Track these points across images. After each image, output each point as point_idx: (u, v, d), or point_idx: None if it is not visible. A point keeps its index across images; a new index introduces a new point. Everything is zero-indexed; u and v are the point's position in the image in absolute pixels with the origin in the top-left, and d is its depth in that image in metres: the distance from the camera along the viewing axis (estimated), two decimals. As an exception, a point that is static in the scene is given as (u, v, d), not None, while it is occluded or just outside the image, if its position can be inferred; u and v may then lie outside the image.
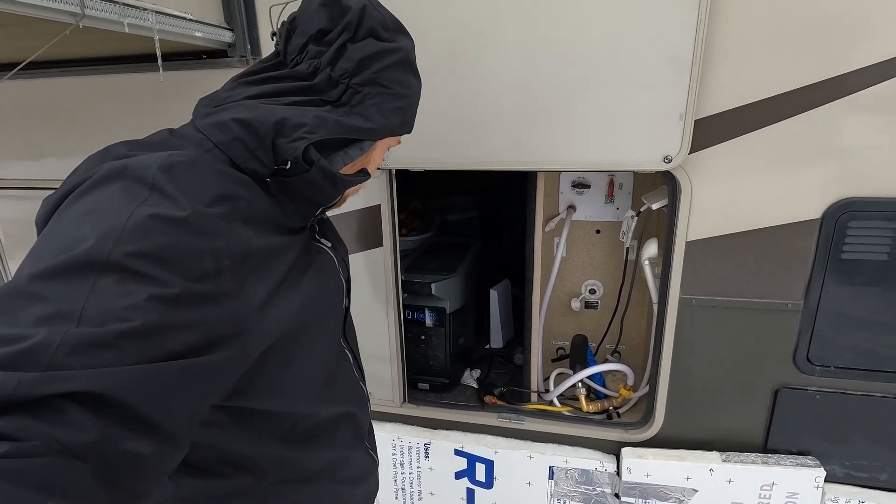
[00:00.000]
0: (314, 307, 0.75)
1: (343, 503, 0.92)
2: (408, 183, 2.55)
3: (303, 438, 0.79)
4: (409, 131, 0.85)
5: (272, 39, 0.80)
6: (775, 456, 1.48)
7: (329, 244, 0.87)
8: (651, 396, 1.55)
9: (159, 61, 1.26)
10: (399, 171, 1.52)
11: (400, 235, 2.28)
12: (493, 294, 2.08)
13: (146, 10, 1.18)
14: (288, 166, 0.68)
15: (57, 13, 1.00)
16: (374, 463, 1.01)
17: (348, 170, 0.79)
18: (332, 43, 0.72)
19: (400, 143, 0.90)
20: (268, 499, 0.78)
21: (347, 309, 0.94)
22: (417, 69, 0.84)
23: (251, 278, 0.61)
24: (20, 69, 1.19)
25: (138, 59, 1.49)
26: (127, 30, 1.14)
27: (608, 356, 1.96)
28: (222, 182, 0.62)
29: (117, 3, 1.10)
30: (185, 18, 1.31)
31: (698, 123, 1.27)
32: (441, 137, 1.39)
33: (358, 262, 1.61)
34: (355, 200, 1.55)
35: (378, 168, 1.47)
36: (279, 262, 0.68)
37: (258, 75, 0.75)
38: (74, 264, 0.47)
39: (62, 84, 1.60)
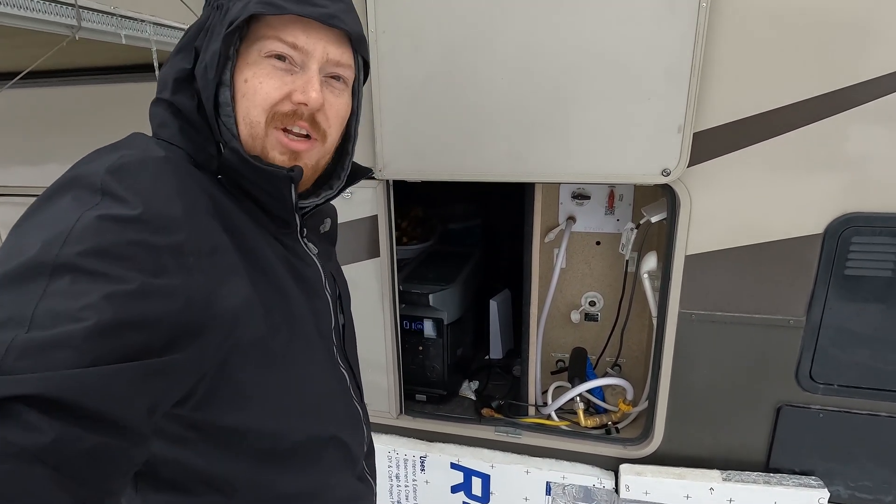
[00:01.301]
0: (292, 316, 0.71)
1: None
2: (410, 191, 2.56)
3: (280, 459, 0.74)
4: (302, 12, 0.64)
5: None
6: (777, 475, 1.44)
7: (316, 251, 0.81)
8: (650, 412, 1.53)
9: (156, 72, 1.27)
10: (398, 181, 1.51)
11: (400, 244, 2.29)
12: (493, 304, 2.06)
13: (143, 21, 1.19)
14: (222, 149, 0.66)
15: (54, 25, 1.00)
16: (369, 489, 0.94)
17: (249, 128, 0.67)
18: None
19: (298, 47, 0.66)
20: None
21: (344, 325, 0.89)
22: None
23: (221, 275, 0.59)
24: (20, 79, 1.20)
25: (139, 68, 1.51)
26: (124, 41, 1.15)
27: (608, 369, 1.93)
28: (179, 178, 0.60)
29: (114, 14, 1.11)
30: (182, 29, 1.31)
31: (697, 136, 1.25)
32: (439, 148, 1.39)
33: (356, 272, 1.61)
34: (355, 209, 1.54)
35: (374, 178, 1.46)
36: (255, 263, 0.65)
37: (184, 46, 0.70)
38: (23, 270, 0.46)
39: (64, 93, 1.62)
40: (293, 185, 0.68)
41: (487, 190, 2.30)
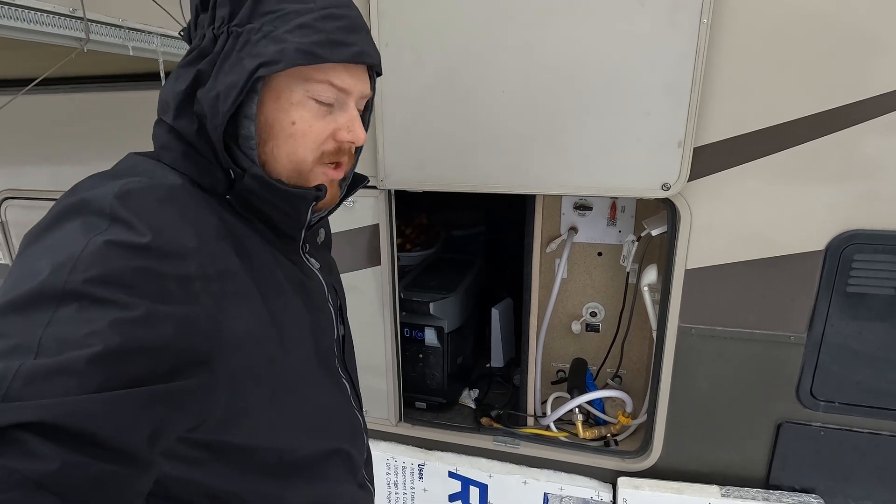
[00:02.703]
0: (301, 334, 0.72)
1: None
2: (415, 198, 2.58)
3: (288, 472, 0.75)
4: (352, 58, 0.65)
5: (180, 36, 0.73)
6: (777, 493, 1.43)
7: (318, 265, 0.82)
8: (649, 425, 1.52)
9: (163, 82, 1.29)
10: (399, 191, 1.53)
11: (404, 250, 2.30)
12: (495, 313, 2.06)
13: (151, 33, 1.21)
14: (233, 176, 0.65)
15: (63, 38, 1.03)
16: (369, 496, 0.96)
17: (270, 153, 0.67)
18: (208, 2, 0.64)
19: (368, 95, 0.72)
20: None
21: (344, 337, 0.90)
22: None
23: (228, 300, 0.58)
24: (32, 87, 1.23)
25: (146, 76, 1.54)
26: (132, 53, 1.17)
27: (609, 381, 1.92)
28: (186, 203, 0.60)
29: (122, 27, 1.13)
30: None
31: (697, 151, 1.25)
32: (439, 159, 1.40)
33: (357, 280, 1.62)
34: (357, 218, 1.56)
35: (377, 188, 1.48)
36: (261, 284, 0.65)
37: (183, 69, 0.67)
38: (31, 297, 0.46)
39: (76, 100, 1.65)
40: (313, 204, 0.70)
41: (491, 198, 2.31)
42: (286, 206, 0.68)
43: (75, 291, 0.46)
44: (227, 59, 0.63)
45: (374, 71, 0.74)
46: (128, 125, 1.61)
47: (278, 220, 0.70)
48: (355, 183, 0.85)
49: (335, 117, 0.69)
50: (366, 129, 0.80)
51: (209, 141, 0.65)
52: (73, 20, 1.02)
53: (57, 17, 0.99)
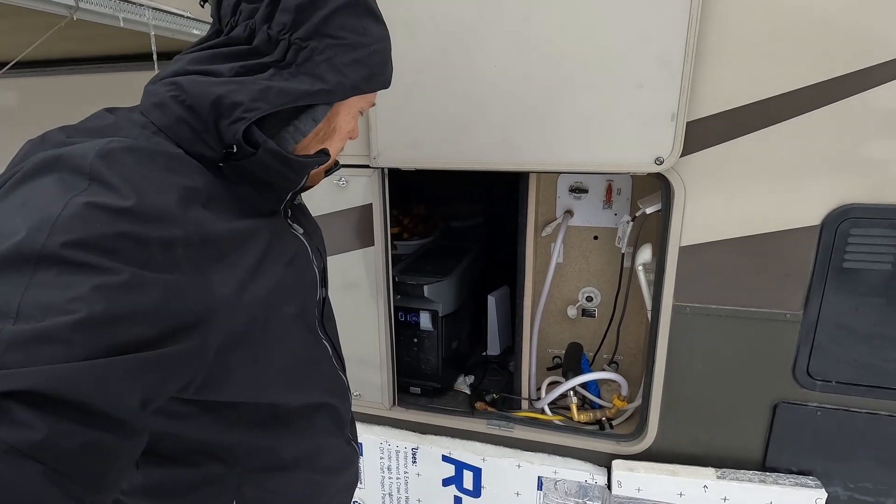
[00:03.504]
0: (286, 297, 0.73)
1: (321, 493, 0.90)
2: (413, 188, 2.57)
3: (277, 426, 0.77)
4: (381, 86, 0.76)
5: (202, 6, 0.74)
6: (774, 475, 1.41)
7: (301, 230, 0.83)
8: (644, 407, 1.50)
9: (154, 58, 1.29)
10: (403, 177, 1.52)
11: (401, 239, 2.30)
12: (491, 300, 2.05)
13: (143, 6, 1.21)
14: (234, 150, 0.63)
15: (52, 5, 1.03)
16: (355, 453, 0.98)
17: (307, 144, 0.73)
18: None
19: (374, 104, 0.84)
20: (241, 486, 0.77)
21: (324, 299, 0.91)
22: (378, 11, 0.75)
23: (214, 266, 0.58)
24: (15, 64, 1.23)
25: (138, 57, 1.54)
26: (122, 24, 1.17)
27: (605, 366, 1.90)
28: (171, 168, 0.59)
29: (112, -3, 1.13)
30: (182, 16, 1.34)
31: (691, 125, 1.24)
32: (432, 137, 1.39)
33: (350, 261, 1.61)
34: (350, 198, 1.55)
35: (370, 167, 1.47)
36: (247, 249, 0.65)
37: (199, 47, 0.68)
38: (6, 259, 0.44)
39: (61, 82, 1.65)
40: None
41: (491, 188, 2.30)
42: (292, 174, 0.71)
43: (54, 255, 0.44)
44: (287, 68, 0.66)
45: None
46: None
47: (278, 186, 0.72)
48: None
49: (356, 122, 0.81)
50: None
51: (218, 112, 0.63)
52: (63, -13, 1.02)
53: (46, -18, 0.99)
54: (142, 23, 1.23)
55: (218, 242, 0.60)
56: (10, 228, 0.46)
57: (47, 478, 0.40)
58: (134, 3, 1.19)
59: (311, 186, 0.84)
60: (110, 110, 0.66)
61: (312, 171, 0.77)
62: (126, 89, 1.61)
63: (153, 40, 1.29)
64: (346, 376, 0.95)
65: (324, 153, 0.75)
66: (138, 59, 1.56)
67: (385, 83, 0.77)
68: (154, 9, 1.25)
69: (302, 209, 0.93)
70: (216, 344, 0.59)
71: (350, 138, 0.82)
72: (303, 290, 0.80)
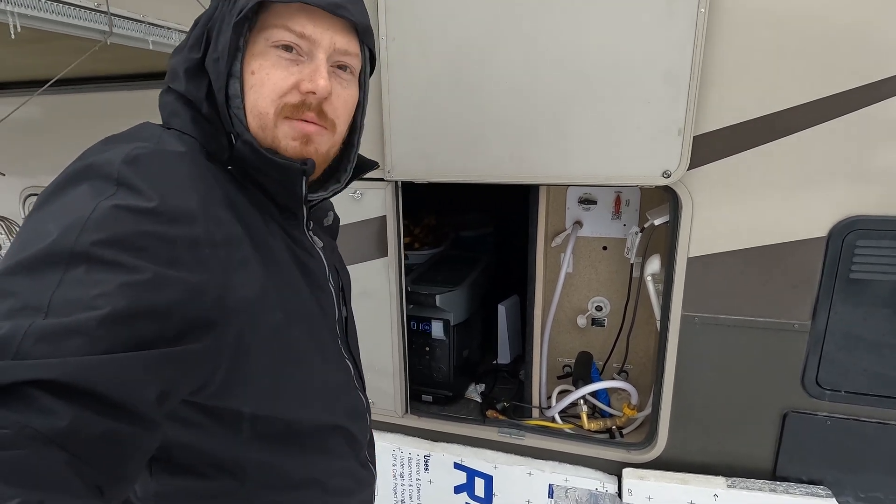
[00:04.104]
0: (301, 310, 0.73)
1: None
2: (424, 199, 2.62)
3: (289, 445, 0.76)
4: None
5: None
6: (784, 484, 1.42)
7: (321, 244, 0.84)
8: (654, 416, 1.52)
9: (180, 76, 1.35)
10: (413, 188, 1.56)
11: (412, 249, 2.34)
12: (501, 309, 2.08)
13: (170, 28, 1.28)
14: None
15: (87, 31, 1.09)
16: (371, 476, 0.96)
17: (258, 116, 0.67)
18: None
19: (298, 33, 0.67)
20: (252, 502, 0.75)
21: (347, 318, 0.92)
22: None
23: (235, 267, 0.60)
24: (54, 83, 1.29)
25: (163, 75, 1.60)
26: (151, 47, 1.24)
27: (614, 375, 1.92)
28: (193, 169, 0.61)
29: (143, 22, 1.19)
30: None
31: (698, 139, 1.27)
32: (445, 150, 1.44)
33: (364, 271, 1.65)
34: (364, 210, 1.60)
35: (384, 180, 1.52)
36: (265, 252, 0.66)
37: (191, 37, 0.71)
38: (40, 258, 0.47)
39: (95, 99, 1.72)
40: (304, 178, 0.69)
41: (500, 199, 2.34)
42: (279, 177, 0.68)
43: (84, 253, 0.47)
44: (223, 21, 0.65)
45: (363, 39, 0.73)
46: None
47: (275, 192, 0.71)
48: (362, 167, 0.85)
49: (301, 69, 0.67)
50: (362, 109, 0.78)
51: (216, 106, 0.67)
52: (98, 14, 1.09)
53: (83, 10, 1.05)
54: (169, 45, 1.29)
55: (238, 244, 0.61)
56: (44, 231, 0.49)
57: (69, 465, 0.41)
58: (162, 27, 1.25)
59: (334, 190, 0.81)
60: (147, 123, 0.70)
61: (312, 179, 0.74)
62: (152, 106, 1.67)
63: (179, 61, 1.34)
64: (365, 396, 0.94)
65: (304, 162, 0.70)
66: (163, 76, 1.62)
67: (321, 2, 0.66)
68: (180, 31, 1.31)
69: (326, 227, 0.93)
70: (232, 346, 0.60)
71: (309, 92, 0.66)
72: (319, 306, 0.79)
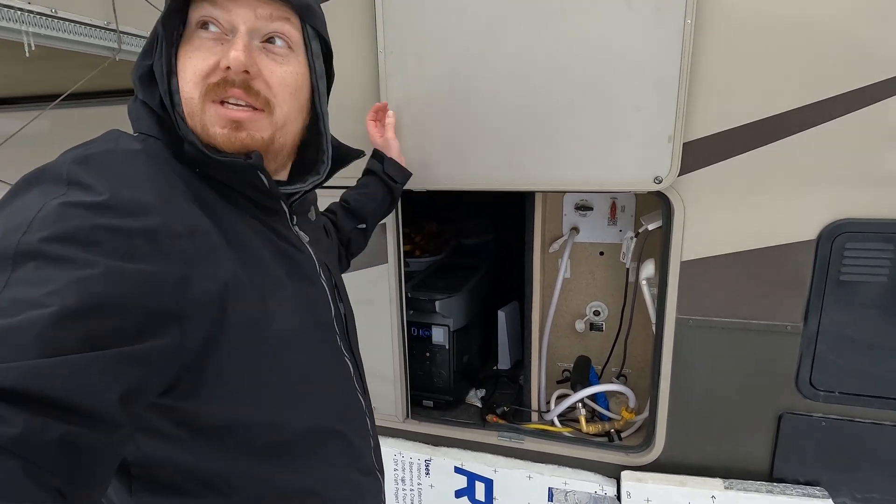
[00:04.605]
0: (287, 303, 0.69)
1: None
2: (424, 207, 2.65)
3: (277, 454, 0.70)
4: None
5: None
6: (781, 485, 1.43)
7: (307, 238, 0.80)
8: (651, 419, 1.54)
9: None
10: (415, 195, 1.60)
11: (413, 256, 2.37)
12: (501, 315, 2.11)
13: (176, 45, 1.32)
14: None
15: (97, 48, 1.14)
16: (375, 484, 0.89)
17: (189, 107, 0.64)
18: None
19: (213, 19, 0.64)
20: None
21: (346, 315, 0.89)
22: None
23: (199, 257, 0.56)
24: (68, 96, 1.34)
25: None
26: (158, 62, 1.28)
27: (613, 379, 1.94)
28: (150, 165, 0.59)
29: (150, 39, 1.24)
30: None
31: (688, 145, 1.30)
32: (442, 159, 1.47)
33: (364, 278, 1.68)
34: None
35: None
36: (241, 248, 0.64)
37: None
38: None
39: (104, 112, 1.77)
40: (261, 172, 0.66)
41: (501, 206, 2.38)
42: (235, 175, 0.65)
43: (31, 251, 0.45)
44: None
45: (304, 18, 0.69)
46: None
47: (241, 189, 0.68)
48: (346, 157, 0.83)
49: (225, 48, 0.63)
50: (317, 93, 0.74)
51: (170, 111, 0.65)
52: (107, 32, 1.14)
53: (93, 28, 1.10)
54: (175, 60, 1.33)
55: (204, 235, 0.58)
56: None
57: (27, 473, 0.39)
58: (169, 43, 1.29)
59: (314, 182, 0.77)
60: (111, 130, 0.67)
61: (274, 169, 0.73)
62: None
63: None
64: (366, 398, 0.90)
65: (248, 156, 0.66)
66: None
67: None
68: (186, 47, 1.36)
69: (311, 223, 0.90)
70: (201, 340, 0.56)
71: (227, 67, 0.63)
72: (310, 300, 0.76)
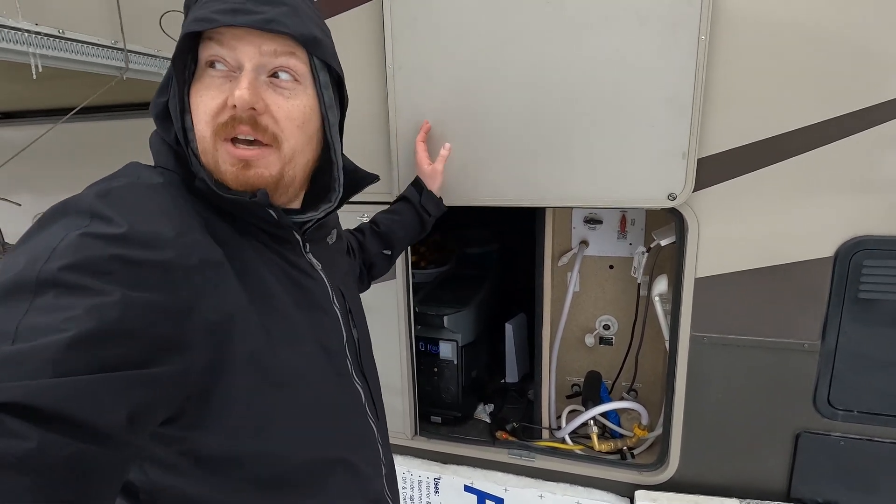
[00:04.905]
0: (295, 332, 0.70)
1: None
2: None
3: (281, 486, 0.69)
4: (228, 23, 0.62)
5: None
6: (799, 506, 1.40)
7: (320, 265, 0.80)
8: (665, 437, 1.51)
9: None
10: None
11: (418, 268, 2.35)
12: (509, 328, 2.08)
13: (183, 62, 1.31)
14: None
15: (104, 67, 1.12)
16: None
17: (202, 142, 0.66)
18: None
19: (219, 58, 0.65)
20: None
21: (359, 340, 0.88)
22: None
23: (209, 289, 0.58)
24: (75, 114, 1.33)
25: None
26: (165, 80, 1.27)
27: (624, 394, 1.92)
28: (168, 200, 0.61)
29: (158, 57, 1.22)
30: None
31: (702, 161, 1.29)
32: (451, 175, 1.46)
33: (372, 294, 1.66)
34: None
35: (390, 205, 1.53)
36: (251, 279, 0.65)
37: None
38: (7, 288, 0.47)
39: (107, 127, 1.76)
40: (269, 207, 0.67)
41: (504, 216, 2.36)
42: (244, 210, 0.67)
43: (51, 279, 0.47)
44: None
45: (311, 51, 0.69)
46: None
47: (254, 222, 0.69)
48: (361, 181, 0.83)
49: (231, 85, 0.64)
50: (327, 123, 0.73)
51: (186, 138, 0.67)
52: (115, 51, 1.12)
53: (101, 48, 1.08)
54: (182, 77, 1.32)
55: (216, 267, 0.60)
56: (15, 265, 0.49)
57: (37, 489, 0.40)
58: (176, 61, 1.28)
59: (326, 210, 0.78)
60: (131, 163, 0.69)
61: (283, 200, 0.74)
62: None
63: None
64: (379, 423, 0.89)
65: (253, 195, 0.67)
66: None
67: (234, 19, 0.63)
68: (193, 64, 1.34)
69: (330, 246, 0.90)
70: (206, 369, 0.57)
71: (229, 104, 0.64)
72: (321, 328, 0.76)
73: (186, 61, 0.66)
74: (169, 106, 0.67)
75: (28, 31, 0.92)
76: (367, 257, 1.21)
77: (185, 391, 0.56)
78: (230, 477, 0.65)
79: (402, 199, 1.35)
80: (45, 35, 0.96)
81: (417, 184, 1.36)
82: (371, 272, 1.22)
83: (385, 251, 1.24)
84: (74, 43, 1.03)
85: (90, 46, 1.07)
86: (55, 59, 1.00)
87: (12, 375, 0.42)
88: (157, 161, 0.69)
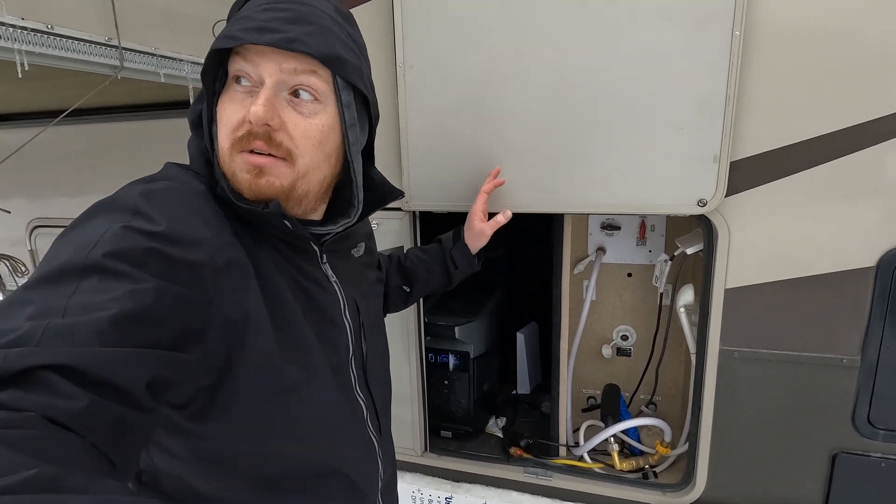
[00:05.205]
0: (303, 342, 0.72)
1: None
2: (436, 222, 2.56)
3: (274, 487, 0.73)
4: (250, 40, 0.64)
5: None
6: (836, 530, 1.32)
7: (335, 277, 0.81)
8: (691, 456, 1.43)
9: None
10: (429, 215, 1.51)
11: (425, 274, 2.27)
12: (520, 338, 2.01)
13: (182, 60, 1.23)
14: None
15: (99, 66, 1.05)
16: None
17: (224, 156, 0.68)
18: None
19: (246, 74, 0.67)
20: None
21: (367, 354, 0.87)
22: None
23: (230, 288, 0.62)
24: (66, 116, 1.25)
25: (176, 105, 1.57)
26: (163, 79, 1.19)
27: (643, 408, 1.84)
28: (201, 204, 0.65)
29: (154, 55, 1.15)
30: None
31: (734, 165, 1.21)
32: (464, 179, 1.38)
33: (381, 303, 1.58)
34: (382, 240, 1.53)
35: (402, 210, 1.46)
36: (267, 285, 0.68)
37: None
38: (57, 272, 0.52)
39: (104, 129, 1.68)
40: (284, 218, 0.68)
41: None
42: (255, 219, 0.69)
43: (96, 265, 0.52)
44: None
45: (334, 71, 0.69)
46: (156, 152, 1.63)
47: (272, 232, 0.71)
48: (386, 195, 0.86)
49: (252, 101, 0.66)
50: (347, 140, 0.74)
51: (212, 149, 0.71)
52: (109, 48, 1.04)
53: (93, 45, 1.01)
54: (181, 76, 1.25)
55: (240, 268, 0.64)
56: (63, 252, 0.54)
57: (84, 447, 0.44)
58: (174, 59, 1.21)
59: (345, 224, 0.79)
60: (175, 163, 0.73)
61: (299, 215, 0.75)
62: (163, 136, 1.63)
63: (191, 92, 1.30)
64: (382, 438, 0.90)
65: (266, 206, 0.68)
66: (174, 106, 1.59)
67: (234, 41, 0.65)
68: (193, 62, 1.27)
69: (356, 259, 0.90)
70: (220, 362, 0.62)
71: (248, 121, 0.66)
72: (327, 341, 0.77)
73: (217, 75, 0.69)
74: (203, 117, 0.71)
75: (13, 25, 0.84)
76: (388, 283, 1.17)
77: (198, 381, 0.61)
78: (226, 473, 0.70)
79: (437, 241, 1.30)
80: (32, 30, 0.88)
81: (457, 234, 1.28)
82: (386, 301, 1.17)
83: (404, 287, 1.20)
84: (64, 39, 0.96)
85: (82, 43, 1.00)
86: (43, 56, 0.92)
87: (63, 343, 0.46)
88: (192, 164, 0.72)
